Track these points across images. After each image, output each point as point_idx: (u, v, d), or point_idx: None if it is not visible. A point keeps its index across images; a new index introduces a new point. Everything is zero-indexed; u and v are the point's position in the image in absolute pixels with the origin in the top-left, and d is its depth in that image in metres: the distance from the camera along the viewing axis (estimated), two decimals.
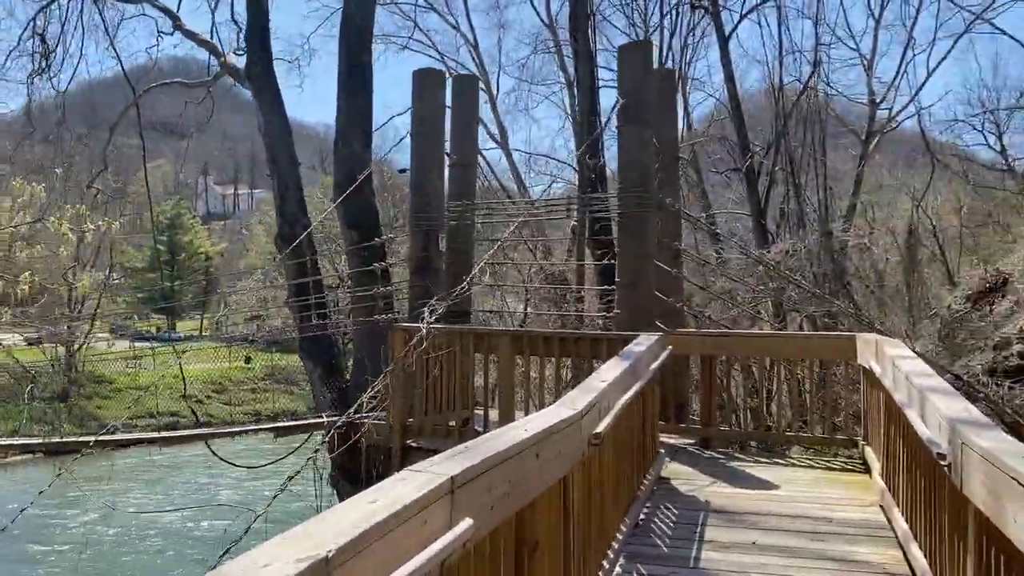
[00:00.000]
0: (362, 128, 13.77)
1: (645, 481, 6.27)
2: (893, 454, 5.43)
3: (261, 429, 9.67)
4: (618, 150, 8.95)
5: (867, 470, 7.03)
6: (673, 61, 27.50)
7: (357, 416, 8.84)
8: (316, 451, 8.91)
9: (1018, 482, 2.71)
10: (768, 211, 19.36)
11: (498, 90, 29.25)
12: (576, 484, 3.88)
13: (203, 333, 56.35)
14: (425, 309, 7.57)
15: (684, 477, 6.87)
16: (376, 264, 11.47)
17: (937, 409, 3.91)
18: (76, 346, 41.77)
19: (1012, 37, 38.32)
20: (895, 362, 5.20)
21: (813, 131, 18.21)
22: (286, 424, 9.72)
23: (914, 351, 8.91)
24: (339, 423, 8.40)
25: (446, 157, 10.30)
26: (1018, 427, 8.03)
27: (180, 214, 62.25)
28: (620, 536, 5.12)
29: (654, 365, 6.18)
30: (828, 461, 7.51)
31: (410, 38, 27.06)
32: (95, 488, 24.32)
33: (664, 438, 8.38)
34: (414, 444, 7.86)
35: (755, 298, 14.28)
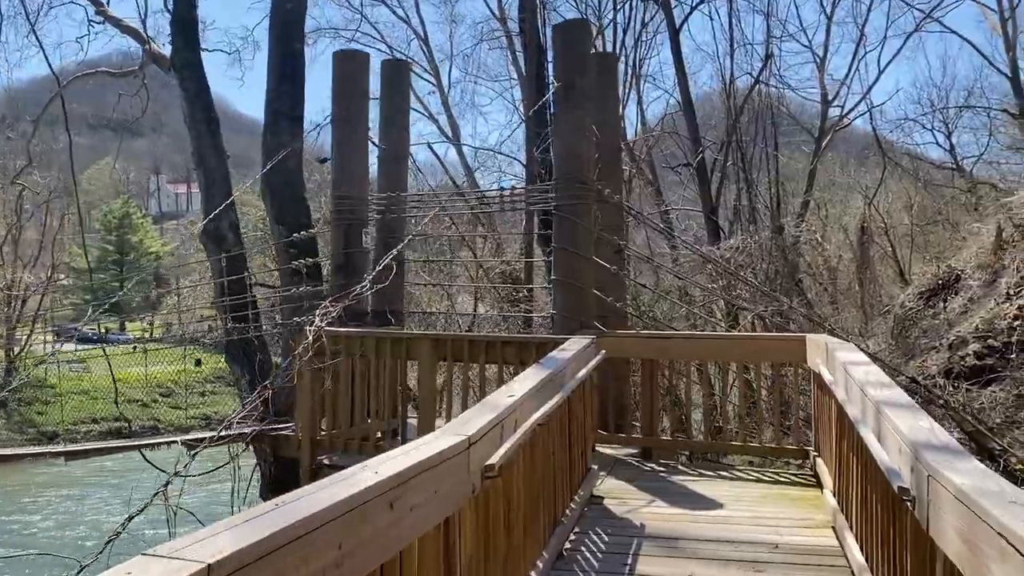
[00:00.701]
0: (291, 119, 12.89)
1: (574, 502, 5.56)
2: (846, 472, 4.78)
3: (170, 441, 8.80)
4: (553, 137, 8.25)
5: (818, 483, 6.41)
6: (626, 57, 26.99)
7: (269, 428, 8.04)
8: (233, 458, 8.13)
9: (1006, 539, 2.04)
10: (721, 208, 18.85)
11: (450, 86, 28.45)
12: (465, 526, 3.15)
13: (153, 335, 54.69)
14: (316, 312, 6.78)
15: (620, 495, 6.18)
16: (300, 262, 10.65)
17: (897, 430, 3.25)
18: (16, 350, 40.03)
19: (961, 36, 38.41)
20: (847, 369, 4.56)
21: (765, 126, 17.71)
22: (195, 437, 8.85)
23: (867, 352, 8.35)
24: (246, 433, 7.59)
25: (376, 148, 9.53)
26: (978, 436, 7.50)
27: (129, 213, 60.34)
28: (536, 572, 4.40)
29: (582, 372, 5.48)
30: (777, 473, 6.88)
31: (357, 30, 26.12)
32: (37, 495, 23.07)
33: (603, 449, 7.71)
34: (327, 461, 7.08)
35: (706, 297, 13.69)
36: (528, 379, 4.40)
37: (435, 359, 6.69)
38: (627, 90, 27.04)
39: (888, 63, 57.60)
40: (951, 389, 8.84)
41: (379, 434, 7.44)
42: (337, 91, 9.08)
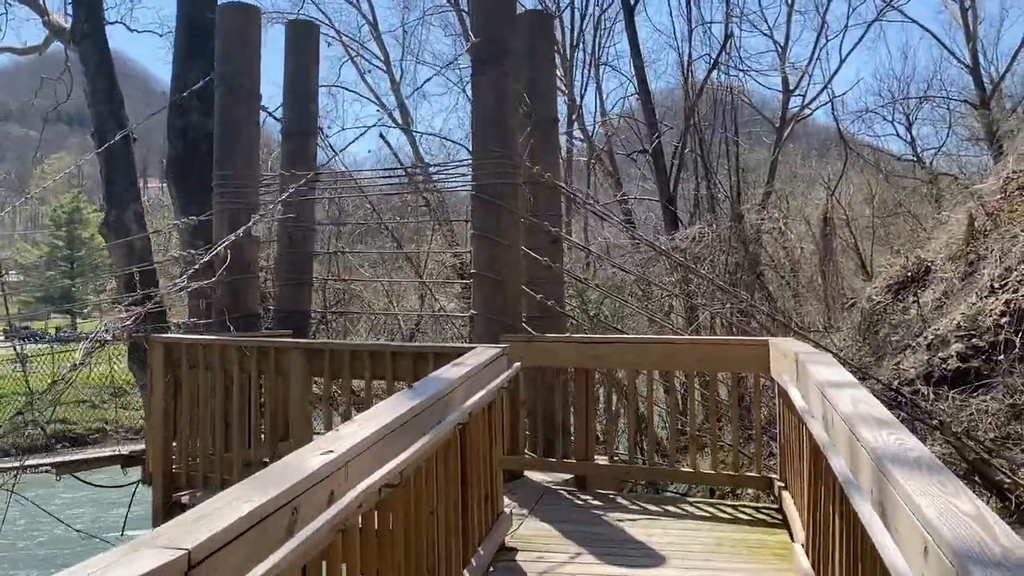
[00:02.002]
0: (200, 96, 11.38)
1: (474, 560, 4.22)
2: (825, 531, 3.49)
3: (39, 465, 7.32)
4: (471, 106, 6.87)
5: (784, 523, 5.13)
6: (584, 45, 25.68)
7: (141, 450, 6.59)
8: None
9: None
10: (680, 199, 17.62)
11: (402, 73, 26.93)
12: None
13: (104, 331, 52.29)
14: (114, 317, 5.35)
15: (539, 545, 4.83)
16: (189, 251, 9.14)
17: (921, 516, 1.95)
18: None
19: (921, 26, 37.70)
20: (826, 394, 3.26)
21: (725, 111, 16.48)
22: (68, 459, 7.38)
23: (836, 355, 7.09)
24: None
25: (267, 121, 8.08)
26: (981, 465, 6.27)
27: (79, 207, 57.82)
28: None
29: (482, 393, 4.12)
30: (735, 508, 5.57)
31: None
32: None
33: (532, 475, 6.38)
34: (185, 499, 5.65)
35: (661, 294, 12.42)
36: (381, 415, 3.03)
37: (309, 374, 5.30)
38: (586, 79, 25.79)
39: (850, 52, 57.02)
40: (933, 397, 7.64)
41: (265, 461, 6.03)
42: (222, 50, 7.61)
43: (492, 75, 6.63)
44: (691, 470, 5.84)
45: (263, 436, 5.66)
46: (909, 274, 14.66)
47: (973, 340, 8.20)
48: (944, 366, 8.14)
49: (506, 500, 5.72)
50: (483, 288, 6.63)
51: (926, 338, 8.97)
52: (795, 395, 3.90)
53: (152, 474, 5.69)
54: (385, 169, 7.77)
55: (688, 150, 16.13)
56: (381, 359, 5.09)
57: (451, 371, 3.93)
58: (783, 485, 5.37)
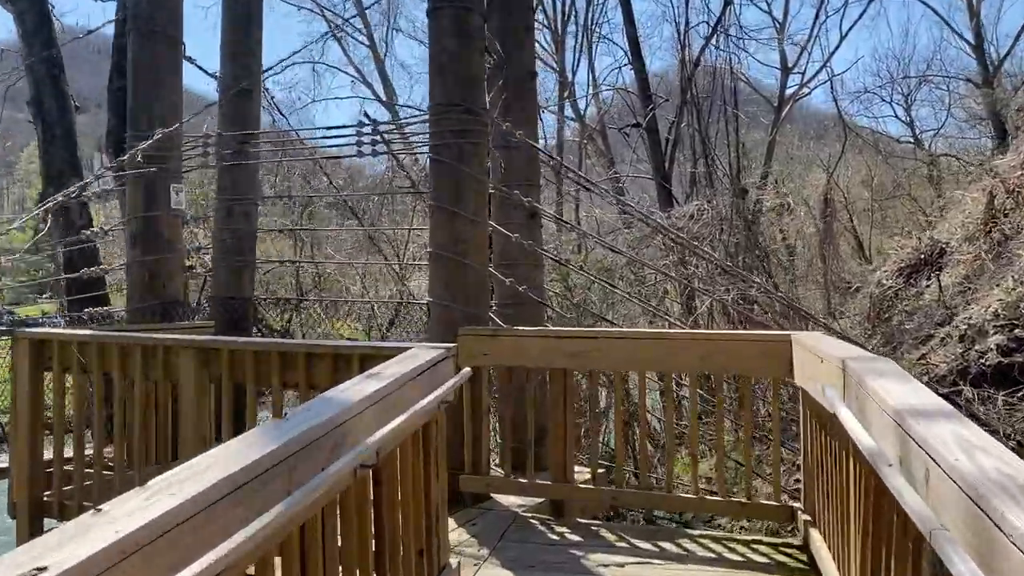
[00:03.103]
0: None
1: None
2: None
3: None
4: (429, 50, 5.62)
5: (811, 568, 3.95)
6: (576, 17, 24.31)
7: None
8: None
9: None
10: (675, 178, 16.39)
11: (387, 48, 25.55)
12: None
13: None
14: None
15: None
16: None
17: None
18: None
19: (923, 2, 36.29)
20: (912, 433, 2.06)
21: (723, 83, 15.21)
22: None
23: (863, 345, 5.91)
24: None
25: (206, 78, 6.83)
26: None
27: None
28: None
29: (401, 418, 2.90)
30: (748, 545, 4.39)
31: None
32: None
33: (501, 498, 5.19)
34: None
35: (655, 279, 11.20)
36: (206, 472, 1.82)
37: (205, 379, 4.09)
38: (578, 56, 24.45)
39: (850, 28, 55.52)
40: (974, 397, 6.46)
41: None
42: None
43: (453, 10, 5.37)
44: (692, 496, 4.65)
45: (154, 456, 4.44)
46: (922, 256, 13.46)
47: (1016, 331, 7.03)
48: (983, 361, 6.96)
49: (463, 535, 4.54)
50: (441, 270, 5.41)
51: (958, 328, 7.79)
52: (854, 427, 2.68)
53: (16, 504, 4.49)
54: (329, 128, 6.55)
55: (684, 124, 14.88)
56: (292, 362, 3.87)
57: (355, 388, 2.72)
58: (810, 520, 4.18)
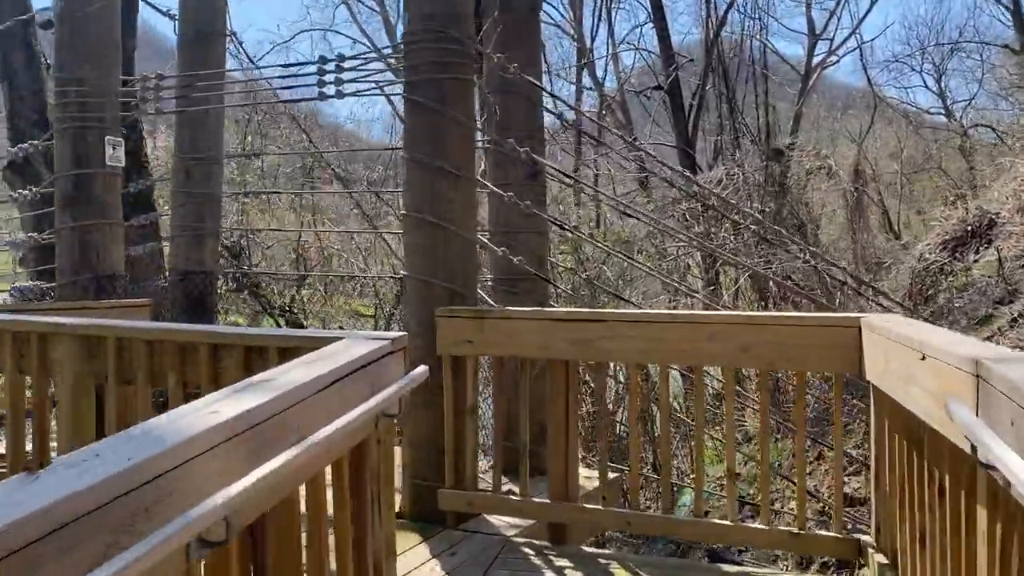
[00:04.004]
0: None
1: None
2: None
3: None
4: None
5: None
6: None
7: None
8: None
9: None
10: (699, 144, 15.18)
11: (399, 15, 24.30)
12: None
13: None
14: None
15: None
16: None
17: None
18: None
19: None
20: None
21: (751, 43, 13.95)
22: None
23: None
24: None
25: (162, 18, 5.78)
26: None
27: None
28: None
29: (320, 436, 1.89)
30: None
31: None
32: None
33: (493, 519, 4.17)
34: None
35: (680, 252, 10.11)
36: None
37: (88, 374, 3.09)
38: (597, 20, 23.10)
39: None
40: None
41: None
42: None
43: None
44: (729, 523, 3.60)
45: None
46: (969, 228, 12.21)
47: None
48: None
49: (436, 569, 3.53)
50: (418, 237, 4.36)
51: (1015, 307, 6.63)
52: (994, 448, 1.63)
53: None
54: (285, 66, 5.46)
55: (709, 87, 13.66)
56: (193, 355, 2.85)
57: (204, 412, 1.67)
58: (887, 563, 3.12)
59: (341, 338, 2.52)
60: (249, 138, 10.31)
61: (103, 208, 5.14)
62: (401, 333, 2.58)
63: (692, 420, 4.48)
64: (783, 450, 6.16)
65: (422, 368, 2.56)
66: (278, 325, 13.36)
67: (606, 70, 23.22)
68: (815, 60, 26.76)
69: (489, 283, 5.63)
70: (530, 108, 5.47)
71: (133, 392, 2.97)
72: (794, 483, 3.86)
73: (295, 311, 13.88)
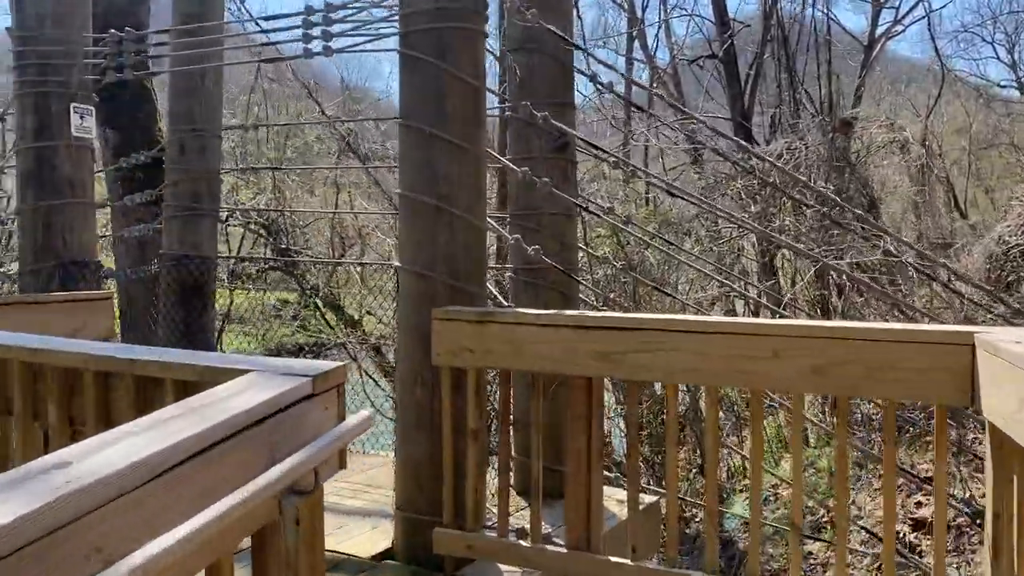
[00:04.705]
0: None
1: None
2: None
3: None
4: None
5: None
6: None
7: None
8: None
9: None
10: (755, 117, 14.06)
11: None
12: None
13: None
14: None
15: None
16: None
17: None
18: None
19: None
20: None
21: (812, 8, 12.76)
22: None
23: None
24: None
25: None
26: None
27: None
28: None
29: (154, 552, 1.15)
30: None
31: None
32: None
33: (508, 567, 3.42)
34: None
35: (734, 235, 9.14)
36: None
37: None
38: None
39: None
40: None
41: None
42: None
43: None
44: None
45: None
46: None
47: None
48: None
49: None
50: (413, 223, 3.58)
51: None
52: None
53: None
54: (267, 19, 4.74)
55: (768, 55, 12.54)
56: (79, 382, 2.12)
57: None
58: None
59: (243, 371, 1.76)
60: (257, 109, 9.62)
61: (70, 185, 4.47)
62: (335, 365, 1.80)
63: (750, 466, 3.62)
64: (860, 489, 5.27)
65: (361, 416, 1.78)
66: (316, 307, 12.80)
67: (656, 40, 22.02)
68: (879, 30, 25.07)
69: (511, 273, 4.84)
70: (559, 70, 4.62)
71: (11, 425, 2.26)
72: (879, 537, 3.04)
73: (332, 291, 13.28)
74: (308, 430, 1.66)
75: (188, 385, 1.91)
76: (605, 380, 3.46)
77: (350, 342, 11.90)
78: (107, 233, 8.27)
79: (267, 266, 13.75)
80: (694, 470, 5.82)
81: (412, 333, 3.48)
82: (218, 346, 5.58)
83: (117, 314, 8.40)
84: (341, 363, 1.78)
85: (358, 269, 14.40)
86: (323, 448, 1.63)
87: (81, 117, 4.43)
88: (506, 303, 5.66)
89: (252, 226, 12.84)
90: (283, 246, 13.50)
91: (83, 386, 2.09)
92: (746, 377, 2.84)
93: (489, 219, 4.12)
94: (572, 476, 3.11)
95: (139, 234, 6.02)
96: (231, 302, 12.07)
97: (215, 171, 5.74)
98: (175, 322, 5.54)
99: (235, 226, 12.73)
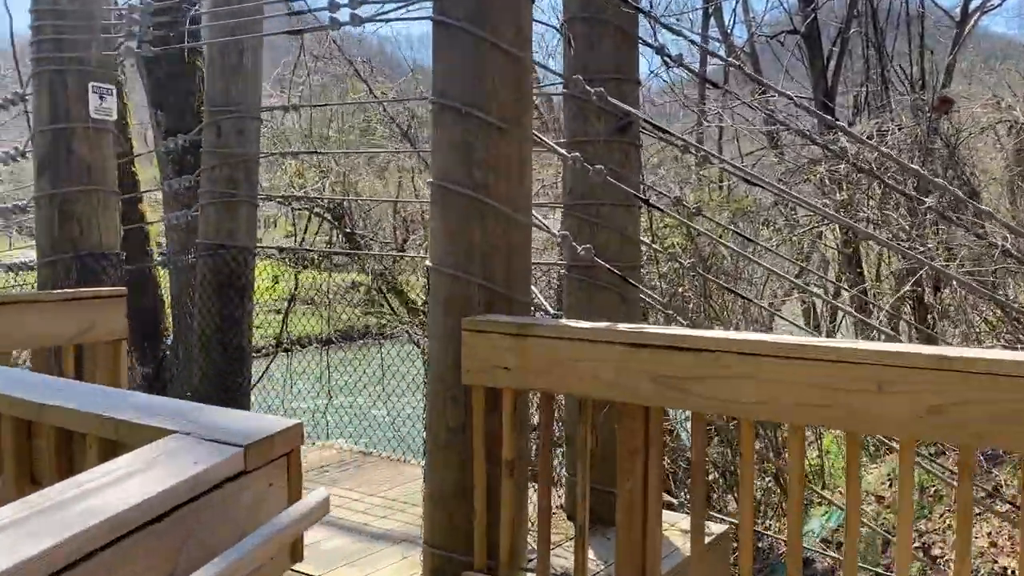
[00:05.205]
0: None
1: None
2: None
3: None
4: None
5: None
6: None
7: None
8: None
9: None
10: (838, 96, 13.07)
11: None
12: None
13: None
14: None
15: None
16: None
17: None
18: None
19: None
20: None
21: None
22: None
23: None
24: None
25: None
26: None
27: None
28: None
29: None
30: None
31: None
32: None
33: None
34: None
35: (812, 225, 8.40)
36: None
37: None
38: None
39: None
40: None
41: None
42: None
43: None
44: None
45: None
46: None
47: None
48: None
49: None
50: (446, 216, 3.09)
51: None
52: None
53: None
54: None
55: (854, 30, 11.59)
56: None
57: None
58: None
59: (168, 432, 1.30)
60: (302, 88, 9.26)
61: (88, 170, 4.14)
62: (285, 424, 1.33)
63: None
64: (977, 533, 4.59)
65: (319, 496, 1.30)
66: (381, 291, 12.56)
67: (733, 16, 20.97)
68: (972, 4, 23.35)
69: (564, 271, 4.33)
70: (623, 42, 4.05)
71: None
72: None
73: (395, 278, 12.98)
74: (236, 521, 1.19)
75: (112, 444, 1.47)
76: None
77: (413, 328, 11.59)
78: (161, 218, 8.06)
79: (328, 251, 13.57)
80: (764, 494, 5.21)
81: (443, 342, 3.01)
82: (249, 337, 5.23)
83: (168, 304, 8.23)
84: (295, 421, 1.30)
85: (419, 256, 14.07)
86: (256, 548, 1.16)
87: (101, 97, 4.09)
88: (554, 307, 5.13)
89: (317, 211, 12.66)
90: (348, 231, 13.28)
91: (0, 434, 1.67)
92: (842, 417, 2.26)
93: (536, 212, 3.60)
94: (624, 518, 2.60)
95: (179, 220, 5.71)
96: (296, 284, 11.88)
97: (253, 155, 5.37)
98: (211, 314, 5.22)
99: (299, 210, 12.55)
